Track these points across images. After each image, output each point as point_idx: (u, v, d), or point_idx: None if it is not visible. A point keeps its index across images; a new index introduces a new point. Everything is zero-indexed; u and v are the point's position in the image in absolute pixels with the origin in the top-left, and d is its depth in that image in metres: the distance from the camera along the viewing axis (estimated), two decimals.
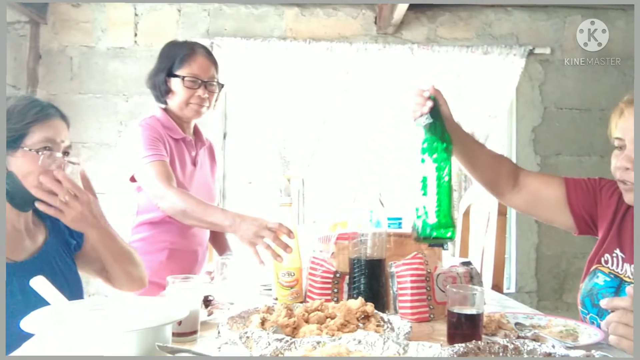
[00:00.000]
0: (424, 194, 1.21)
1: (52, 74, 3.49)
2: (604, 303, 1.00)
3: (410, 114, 1.29)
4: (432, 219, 1.20)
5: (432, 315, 1.29)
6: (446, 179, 1.21)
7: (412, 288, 1.29)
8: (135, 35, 3.53)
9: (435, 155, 1.21)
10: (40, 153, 1.27)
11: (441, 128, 1.25)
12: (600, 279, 1.31)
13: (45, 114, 1.31)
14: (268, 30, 3.55)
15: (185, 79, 1.86)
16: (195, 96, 1.88)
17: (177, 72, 1.87)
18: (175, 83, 1.88)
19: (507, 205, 1.50)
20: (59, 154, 1.31)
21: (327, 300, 1.23)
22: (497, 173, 1.46)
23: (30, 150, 1.27)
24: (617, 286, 1.27)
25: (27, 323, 0.92)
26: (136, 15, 3.53)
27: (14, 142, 1.27)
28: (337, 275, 1.36)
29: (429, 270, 1.31)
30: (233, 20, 3.55)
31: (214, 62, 1.95)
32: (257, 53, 3.43)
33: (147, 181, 1.75)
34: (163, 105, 1.94)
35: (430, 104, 1.25)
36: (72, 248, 1.44)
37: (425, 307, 1.29)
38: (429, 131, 1.23)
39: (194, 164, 1.99)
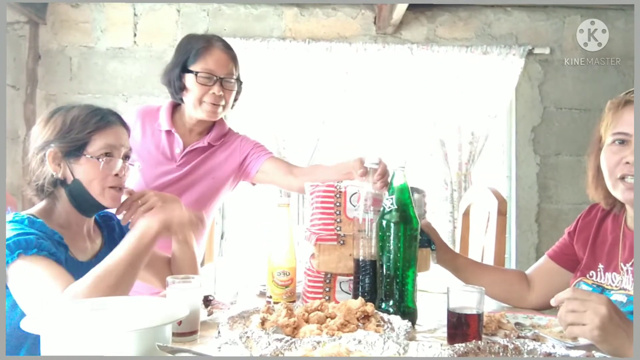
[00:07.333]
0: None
1: (52, 74, 3.49)
2: (552, 302, 1.03)
3: None
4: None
5: None
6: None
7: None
8: (135, 35, 3.52)
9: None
10: (100, 160, 1.32)
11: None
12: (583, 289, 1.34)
13: (106, 122, 1.36)
14: (267, 30, 3.55)
15: (199, 74, 1.73)
16: (210, 94, 1.74)
17: (191, 67, 1.74)
18: (189, 79, 1.75)
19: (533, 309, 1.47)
20: (119, 160, 1.36)
21: (319, 299, 1.23)
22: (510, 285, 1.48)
23: (92, 157, 1.32)
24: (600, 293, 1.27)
25: (27, 323, 0.92)
26: (135, 15, 3.53)
27: (78, 150, 1.32)
28: (329, 275, 1.36)
29: None
30: (232, 21, 3.55)
31: (232, 58, 1.80)
32: (256, 53, 3.43)
33: None
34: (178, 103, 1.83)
35: None
36: None
37: None
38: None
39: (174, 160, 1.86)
